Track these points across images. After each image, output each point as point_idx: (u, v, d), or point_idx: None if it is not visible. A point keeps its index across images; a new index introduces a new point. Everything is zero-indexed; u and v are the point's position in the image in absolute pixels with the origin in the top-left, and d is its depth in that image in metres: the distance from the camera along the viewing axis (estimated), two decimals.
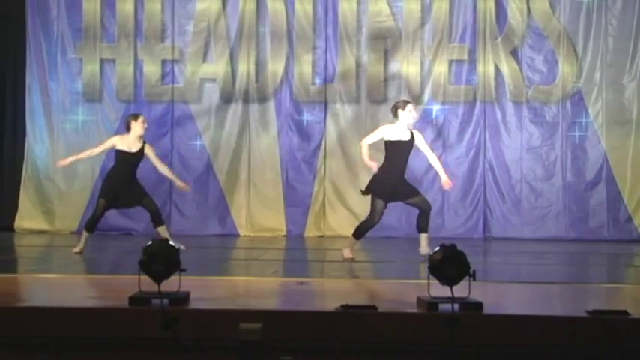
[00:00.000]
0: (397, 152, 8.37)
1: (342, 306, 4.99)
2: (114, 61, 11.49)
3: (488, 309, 5.12)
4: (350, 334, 4.87)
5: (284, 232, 11.28)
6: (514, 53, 11.29)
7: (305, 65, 11.40)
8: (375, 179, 8.40)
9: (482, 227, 11.27)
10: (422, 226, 8.54)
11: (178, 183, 9.38)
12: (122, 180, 8.93)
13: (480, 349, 4.86)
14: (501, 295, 6.26)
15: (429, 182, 11.20)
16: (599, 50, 11.22)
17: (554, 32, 11.26)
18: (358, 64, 11.39)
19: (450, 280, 4.93)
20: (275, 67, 11.38)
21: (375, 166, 8.35)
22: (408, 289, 5.87)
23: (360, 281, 7.16)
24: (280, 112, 11.44)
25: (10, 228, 11.37)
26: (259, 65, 11.44)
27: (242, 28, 11.42)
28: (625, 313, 4.99)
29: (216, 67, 11.43)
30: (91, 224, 8.94)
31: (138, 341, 4.89)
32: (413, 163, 11.27)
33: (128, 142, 8.95)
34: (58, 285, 6.54)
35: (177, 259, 5.04)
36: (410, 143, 8.44)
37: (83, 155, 9.25)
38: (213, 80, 11.46)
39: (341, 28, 11.37)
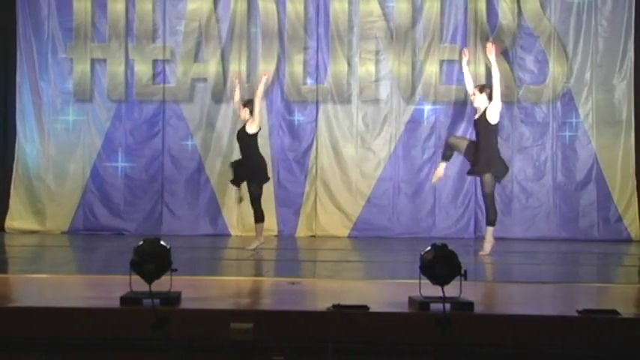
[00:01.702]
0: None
1: (334, 306, 4.99)
2: (105, 60, 11.46)
3: (479, 309, 5.14)
4: (341, 334, 4.87)
5: (275, 232, 11.26)
6: (505, 53, 11.29)
7: (296, 65, 11.40)
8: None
9: (474, 227, 11.27)
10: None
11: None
12: None
13: (472, 349, 4.87)
14: (492, 294, 6.27)
15: (422, 180, 11.23)
16: (589, 51, 11.25)
17: (545, 32, 11.28)
18: (349, 64, 11.40)
19: (441, 280, 4.94)
20: (266, 67, 11.37)
21: None
22: (399, 289, 5.87)
23: (352, 281, 7.17)
24: (272, 112, 11.44)
25: (1, 228, 11.34)
26: (251, 65, 11.44)
27: (233, 28, 11.42)
28: (615, 312, 5.01)
29: (207, 67, 11.42)
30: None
31: (129, 341, 4.89)
32: (413, 160, 11.34)
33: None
34: (49, 285, 6.53)
35: (168, 259, 5.04)
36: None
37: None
38: (205, 80, 11.44)
39: (332, 28, 11.37)
